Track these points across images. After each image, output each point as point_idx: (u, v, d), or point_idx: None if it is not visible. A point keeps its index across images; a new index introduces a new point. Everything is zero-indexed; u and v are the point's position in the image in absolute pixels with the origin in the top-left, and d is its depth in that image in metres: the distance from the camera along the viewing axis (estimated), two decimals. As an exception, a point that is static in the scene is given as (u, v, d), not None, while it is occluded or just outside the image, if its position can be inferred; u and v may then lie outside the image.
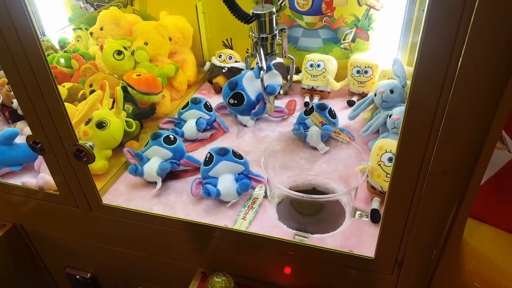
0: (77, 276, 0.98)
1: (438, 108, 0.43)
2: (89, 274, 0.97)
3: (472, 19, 0.36)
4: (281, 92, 0.94)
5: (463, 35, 0.37)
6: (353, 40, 1.10)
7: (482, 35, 0.37)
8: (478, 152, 0.46)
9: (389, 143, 0.72)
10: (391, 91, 0.85)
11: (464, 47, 0.38)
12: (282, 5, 1.12)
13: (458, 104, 0.42)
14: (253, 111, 1.00)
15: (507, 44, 0.37)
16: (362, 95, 1.08)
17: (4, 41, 0.57)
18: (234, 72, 1.19)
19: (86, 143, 0.64)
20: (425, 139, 0.45)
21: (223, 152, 0.79)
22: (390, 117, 0.82)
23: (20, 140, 0.91)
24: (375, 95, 0.88)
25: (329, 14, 1.09)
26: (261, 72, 0.77)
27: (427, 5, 0.37)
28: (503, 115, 0.43)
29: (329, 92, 1.12)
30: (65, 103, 0.62)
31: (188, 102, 1.01)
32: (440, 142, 0.45)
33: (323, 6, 1.08)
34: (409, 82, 0.87)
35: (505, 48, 0.38)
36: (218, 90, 1.21)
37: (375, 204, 0.73)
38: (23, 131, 0.99)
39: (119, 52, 1.01)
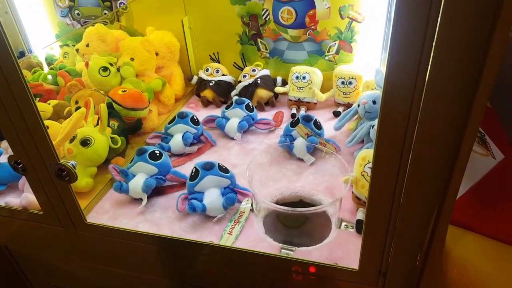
0: (65, 296, 0.97)
1: (411, 114, 0.43)
2: (76, 293, 0.96)
3: (438, 23, 0.37)
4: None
5: (430, 40, 0.38)
6: (337, 52, 1.12)
7: (449, 38, 0.38)
8: (454, 157, 0.46)
9: (372, 154, 0.73)
10: (374, 102, 0.86)
11: (431, 53, 0.38)
12: (267, 19, 1.14)
13: (430, 109, 0.42)
14: (240, 122, 1.01)
15: (472, 45, 0.38)
16: (348, 106, 1.09)
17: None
18: (221, 85, 1.20)
19: (68, 162, 0.64)
20: (399, 148, 0.46)
21: (208, 167, 0.79)
22: (373, 127, 0.82)
23: (4, 159, 0.90)
24: (358, 106, 0.89)
25: (312, 27, 1.10)
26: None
27: (394, 12, 0.38)
28: (477, 117, 0.43)
29: (315, 103, 1.13)
30: (50, 121, 0.62)
31: (174, 116, 1.02)
32: (415, 150, 0.45)
33: (307, 19, 1.09)
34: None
35: (471, 49, 0.38)
36: (206, 103, 1.21)
37: (360, 215, 0.73)
38: (7, 150, 0.99)
39: (105, 69, 1.02)
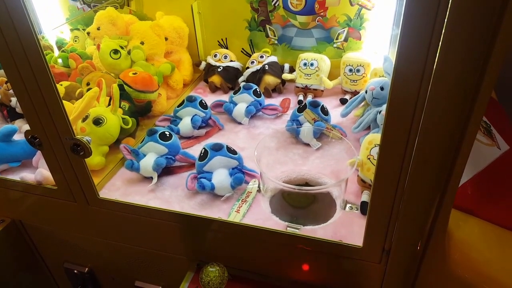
0: (75, 271, 1.00)
1: (419, 100, 0.45)
2: (86, 268, 0.99)
3: (447, 12, 0.38)
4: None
5: (440, 26, 0.39)
6: (345, 40, 1.13)
7: (458, 27, 0.39)
8: (459, 142, 0.48)
9: (378, 138, 0.74)
10: (381, 88, 0.87)
11: (440, 40, 0.40)
12: (276, 5, 1.14)
13: (438, 94, 0.43)
14: (247, 107, 1.03)
15: (482, 34, 0.39)
16: (355, 94, 1.10)
17: (3, 39, 0.58)
18: (229, 71, 1.22)
19: (83, 138, 0.66)
20: (407, 131, 0.47)
21: (217, 148, 0.81)
22: (380, 113, 0.84)
23: (18, 137, 0.92)
24: (366, 92, 0.90)
25: (322, 14, 1.11)
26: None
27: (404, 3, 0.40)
28: (482, 105, 0.45)
29: (322, 91, 1.14)
30: (63, 101, 0.64)
31: (183, 100, 1.03)
32: (422, 132, 0.47)
33: (316, 6, 1.10)
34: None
35: (480, 37, 0.39)
36: (213, 89, 1.23)
37: (365, 197, 0.75)
38: (21, 128, 1.01)
39: (116, 51, 1.03)
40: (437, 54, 0.41)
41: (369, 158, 0.74)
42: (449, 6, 0.38)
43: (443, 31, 0.39)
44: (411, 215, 0.55)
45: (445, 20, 0.39)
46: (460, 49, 0.40)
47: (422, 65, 0.42)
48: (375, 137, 0.75)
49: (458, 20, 0.39)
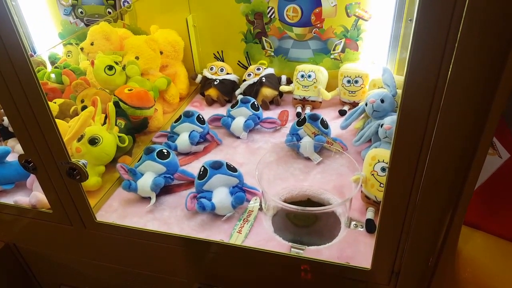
0: (72, 294, 0.97)
1: (430, 117, 0.43)
2: (84, 292, 0.96)
3: (461, 27, 0.37)
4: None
5: (453, 43, 0.38)
6: (342, 51, 1.12)
7: (471, 41, 0.38)
8: (470, 159, 0.46)
9: (382, 153, 0.73)
10: (382, 101, 0.86)
11: (453, 54, 0.39)
12: (272, 17, 1.13)
13: (449, 112, 0.42)
14: (246, 121, 1.01)
15: (496, 49, 0.38)
16: (353, 105, 1.09)
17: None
18: (226, 84, 1.20)
19: (79, 161, 0.64)
20: (418, 149, 0.46)
21: (217, 166, 0.79)
22: (381, 126, 0.82)
23: (11, 158, 0.90)
24: (366, 105, 0.89)
25: (318, 25, 1.10)
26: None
27: (415, 14, 0.38)
28: (493, 122, 0.43)
29: (320, 102, 1.13)
30: (57, 120, 0.62)
31: (180, 115, 1.01)
32: (433, 151, 0.45)
33: (312, 17, 1.09)
34: (399, 91, 0.88)
35: (494, 53, 0.38)
36: (210, 102, 1.21)
37: (370, 214, 0.73)
38: (14, 148, 0.99)
39: (110, 67, 1.01)
40: (450, 69, 0.39)
41: (373, 174, 0.73)
42: (463, 19, 0.36)
43: (456, 45, 0.38)
44: (422, 235, 0.53)
45: (458, 34, 0.37)
46: (473, 63, 0.39)
47: (434, 79, 0.41)
48: (379, 152, 0.74)
49: (471, 34, 0.37)
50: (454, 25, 0.37)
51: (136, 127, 0.99)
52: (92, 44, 1.12)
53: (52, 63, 1.32)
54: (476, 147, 0.45)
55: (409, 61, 0.40)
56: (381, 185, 0.71)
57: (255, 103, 1.06)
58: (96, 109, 0.86)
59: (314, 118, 0.93)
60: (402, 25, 1.00)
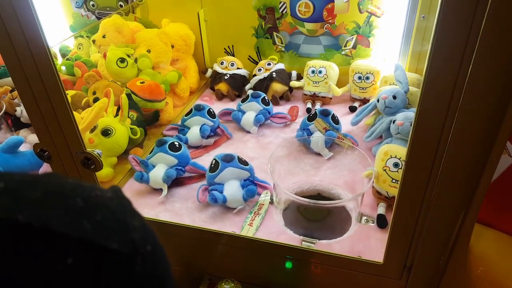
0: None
1: (448, 115, 0.43)
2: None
3: (482, 28, 0.37)
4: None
5: (473, 44, 0.38)
6: (354, 47, 1.11)
7: (491, 44, 0.38)
8: (486, 157, 0.46)
9: (394, 149, 0.73)
10: (394, 97, 0.86)
11: (473, 55, 0.39)
12: (284, 12, 1.13)
13: (467, 109, 0.42)
14: (256, 116, 1.01)
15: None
16: (364, 101, 1.09)
17: (14, 50, 0.57)
18: (236, 78, 1.20)
19: (94, 151, 0.64)
20: (435, 146, 0.46)
21: (228, 159, 0.79)
22: (393, 122, 0.82)
23: (23, 148, 0.91)
24: (378, 101, 0.89)
25: (330, 21, 1.10)
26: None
27: (437, 15, 0.38)
28: (510, 121, 0.44)
29: (330, 98, 1.13)
30: (71, 112, 0.62)
31: (191, 109, 1.02)
32: (450, 148, 0.45)
33: (325, 13, 1.09)
34: (411, 88, 0.88)
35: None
36: (220, 96, 1.21)
37: (381, 209, 0.73)
38: (26, 138, 0.99)
39: (122, 60, 1.02)
40: (469, 68, 0.39)
41: (385, 170, 0.73)
42: (484, 21, 0.36)
43: (477, 45, 0.38)
44: (436, 231, 0.53)
45: (479, 34, 0.37)
46: (493, 61, 0.39)
47: (454, 77, 0.41)
48: (391, 148, 0.74)
49: (492, 34, 0.37)
50: (475, 28, 0.37)
51: (147, 119, 0.99)
52: (104, 36, 1.13)
53: (63, 55, 1.32)
54: (492, 144, 0.45)
55: (429, 58, 0.40)
56: (393, 180, 0.71)
57: (266, 97, 1.06)
58: (109, 100, 0.87)
59: (325, 113, 0.93)
60: (415, 22, 0.99)
